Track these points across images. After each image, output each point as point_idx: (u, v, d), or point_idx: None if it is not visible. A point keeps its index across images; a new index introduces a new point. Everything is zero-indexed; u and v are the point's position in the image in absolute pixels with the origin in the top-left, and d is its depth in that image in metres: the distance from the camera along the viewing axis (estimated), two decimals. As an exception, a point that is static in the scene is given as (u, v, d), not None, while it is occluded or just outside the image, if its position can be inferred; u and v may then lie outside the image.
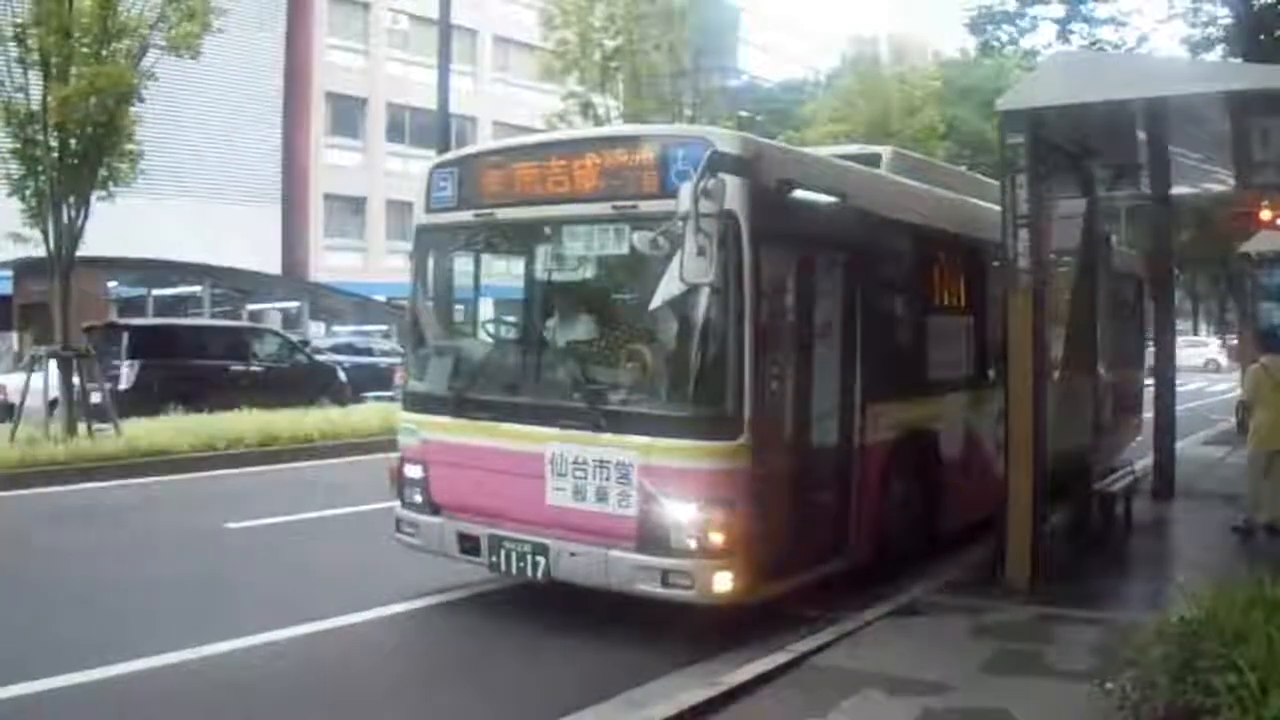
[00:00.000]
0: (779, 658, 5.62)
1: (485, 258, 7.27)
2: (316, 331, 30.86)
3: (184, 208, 30.09)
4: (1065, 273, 8.78)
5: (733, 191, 5.71)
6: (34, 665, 5.49)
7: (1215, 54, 20.52)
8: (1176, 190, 11.53)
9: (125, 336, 17.23)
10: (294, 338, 23.40)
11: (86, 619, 6.59)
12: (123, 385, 16.15)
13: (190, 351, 18.25)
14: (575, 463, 6.04)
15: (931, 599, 6.93)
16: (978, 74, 35.10)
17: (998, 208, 9.08)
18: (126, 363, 16.75)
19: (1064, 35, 21.93)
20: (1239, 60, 15.21)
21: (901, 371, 7.57)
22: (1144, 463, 11.15)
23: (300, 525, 9.65)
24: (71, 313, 13.25)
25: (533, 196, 6.58)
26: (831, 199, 6.69)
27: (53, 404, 13.43)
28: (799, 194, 6.34)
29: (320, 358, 21.97)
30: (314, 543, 8.99)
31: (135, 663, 5.63)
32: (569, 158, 6.49)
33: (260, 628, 6.23)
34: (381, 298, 32.61)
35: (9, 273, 17.07)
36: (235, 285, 29.98)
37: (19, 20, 12.62)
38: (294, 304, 32.82)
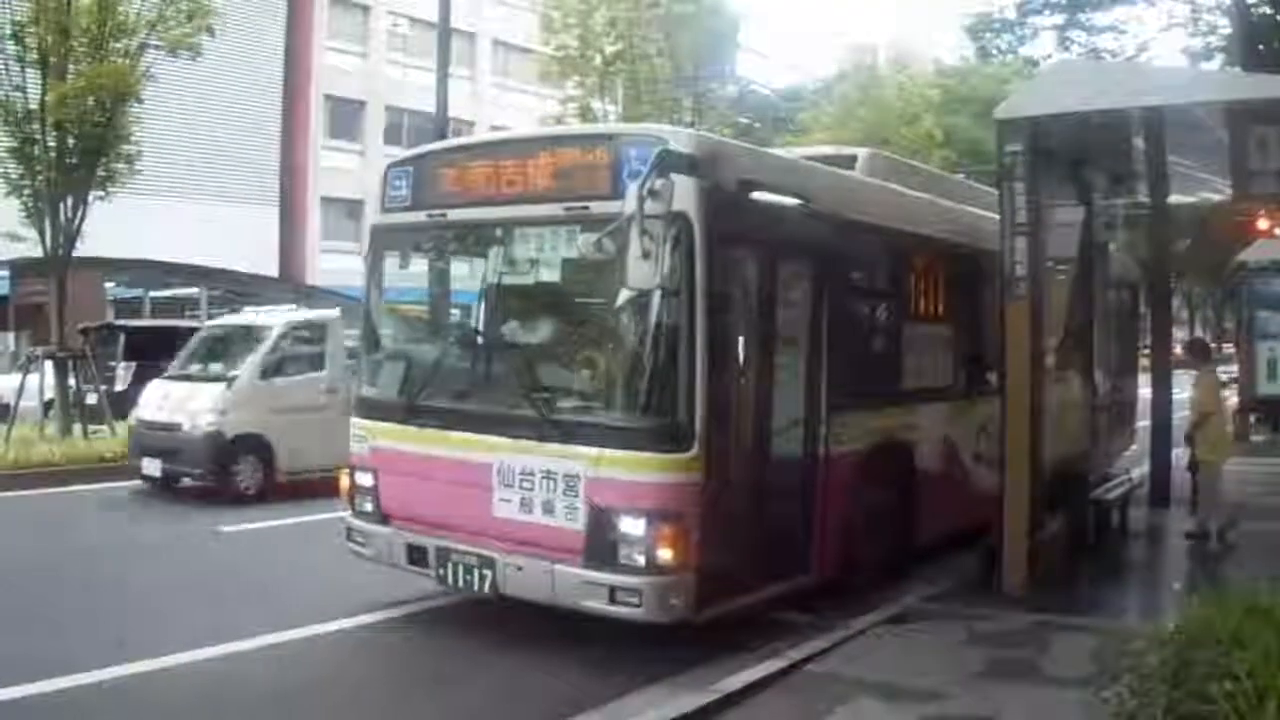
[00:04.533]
0: (773, 665, 5.60)
1: (438, 260, 7.04)
2: (312, 334, 30.75)
3: (181, 209, 30.01)
4: (1062, 280, 8.77)
5: (684, 192, 5.48)
6: (20, 669, 5.44)
7: (1214, 63, 20.54)
8: (1174, 198, 11.54)
9: (121, 338, 17.20)
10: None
11: (74, 621, 6.56)
12: (119, 387, 16.09)
13: (187, 353, 18.16)
14: (522, 473, 5.84)
15: (927, 606, 6.92)
16: (976, 82, 35.12)
17: (980, 211, 9.09)
18: (122, 364, 16.71)
19: (1063, 43, 21.93)
20: (1237, 69, 15.24)
21: (872, 380, 7.37)
22: (1140, 471, 11.14)
23: (294, 529, 9.62)
24: (68, 313, 13.25)
25: (485, 197, 6.39)
26: (796, 201, 6.46)
27: (48, 405, 13.41)
28: (760, 196, 6.12)
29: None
30: (307, 547, 8.94)
31: (118, 668, 5.59)
32: (522, 157, 6.28)
33: (248, 633, 6.20)
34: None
35: (5, 272, 17.08)
36: (232, 287, 29.92)
37: (17, 18, 12.63)
38: (291, 307, 32.75)
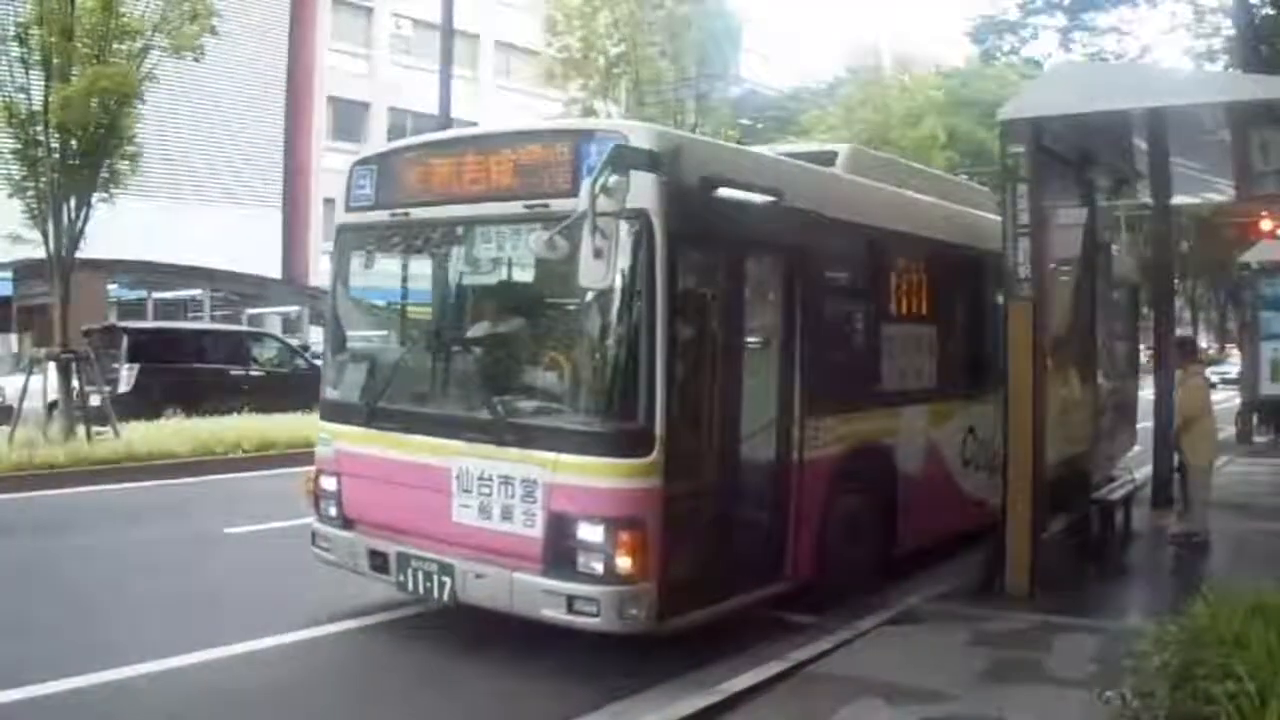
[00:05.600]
0: (775, 666, 5.59)
1: (401, 260, 6.81)
2: (316, 336, 30.83)
3: (184, 211, 30.10)
4: (1065, 281, 8.76)
5: (643, 189, 5.34)
6: (21, 671, 5.44)
7: (1218, 65, 20.55)
8: (1177, 200, 11.55)
9: (125, 339, 17.24)
10: (293, 342, 23.41)
11: (81, 624, 6.56)
12: (122, 388, 16.16)
13: (190, 355, 18.26)
14: (481, 478, 5.73)
15: (930, 607, 6.92)
16: (979, 84, 35.14)
17: (967, 209, 9.05)
18: (126, 366, 16.75)
19: (1066, 45, 21.96)
20: (1240, 71, 15.24)
21: (849, 383, 7.16)
22: (1143, 472, 11.14)
23: (299, 531, 9.56)
24: (71, 315, 13.26)
25: (447, 195, 6.26)
26: (766, 198, 6.28)
27: (52, 406, 13.42)
28: (726, 193, 5.93)
29: (319, 363, 21.95)
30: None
31: (122, 670, 5.58)
32: (484, 154, 6.14)
33: (246, 636, 6.20)
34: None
35: (9, 274, 17.13)
36: (235, 289, 29.97)
37: (20, 20, 12.67)
38: (294, 309, 32.79)
